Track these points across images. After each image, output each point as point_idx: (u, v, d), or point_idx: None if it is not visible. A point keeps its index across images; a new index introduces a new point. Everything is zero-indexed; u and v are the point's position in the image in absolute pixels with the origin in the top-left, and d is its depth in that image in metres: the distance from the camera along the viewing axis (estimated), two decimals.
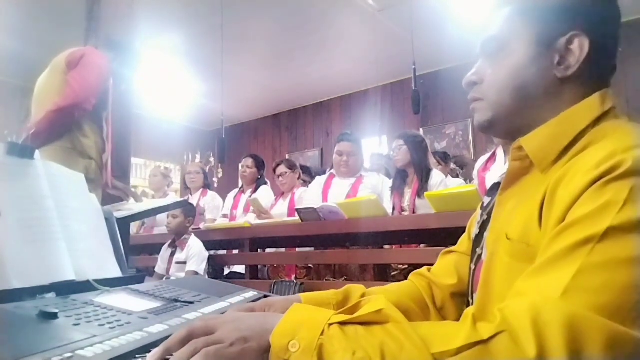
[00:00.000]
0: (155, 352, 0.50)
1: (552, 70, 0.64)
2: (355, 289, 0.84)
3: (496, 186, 0.76)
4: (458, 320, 0.69)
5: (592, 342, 0.43)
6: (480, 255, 0.74)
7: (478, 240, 0.76)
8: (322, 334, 0.48)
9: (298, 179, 3.51)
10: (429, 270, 0.89)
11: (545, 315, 0.44)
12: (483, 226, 0.76)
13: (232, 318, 0.54)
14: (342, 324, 0.49)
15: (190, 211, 2.88)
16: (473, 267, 0.76)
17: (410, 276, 0.90)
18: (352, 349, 0.46)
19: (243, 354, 0.48)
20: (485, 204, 0.80)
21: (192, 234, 2.88)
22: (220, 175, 5.97)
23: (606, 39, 0.65)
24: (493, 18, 0.70)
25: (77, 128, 2.04)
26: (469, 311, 0.50)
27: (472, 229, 0.82)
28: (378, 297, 0.53)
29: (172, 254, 2.85)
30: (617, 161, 0.50)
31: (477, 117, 0.72)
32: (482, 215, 0.78)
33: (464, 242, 0.86)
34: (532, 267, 0.52)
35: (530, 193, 0.62)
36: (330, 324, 0.49)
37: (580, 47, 0.63)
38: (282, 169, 3.38)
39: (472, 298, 0.74)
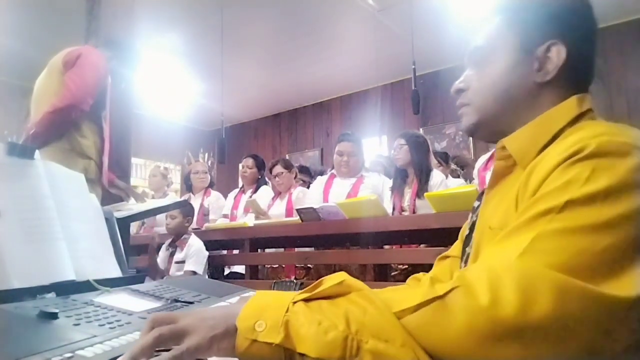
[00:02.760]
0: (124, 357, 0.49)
1: (532, 76, 0.69)
2: (342, 275, 0.85)
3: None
4: None
5: (542, 290, 0.45)
6: (469, 254, 0.77)
7: (468, 240, 0.80)
8: (287, 311, 0.49)
9: (295, 178, 3.51)
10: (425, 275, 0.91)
11: (500, 270, 0.47)
12: (472, 226, 0.80)
13: (196, 310, 0.55)
14: (306, 300, 0.51)
15: (188, 211, 2.87)
16: (463, 265, 0.80)
17: (408, 281, 0.92)
18: (317, 319, 0.48)
19: (211, 341, 0.48)
20: (475, 207, 0.83)
21: (192, 234, 2.88)
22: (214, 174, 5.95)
23: (582, 46, 0.70)
24: (479, 30, 0.76)
25: (76, 128, 2.03)
26: (427, 275, 0.54)
27: (465, 232, 0.85)
28: (339, 273, 0.55)
29: (172, 254, 2.85)
30: (583, 145, 0.54)
31: (464, 120, 0.77)
32: (471, 217, 0.82)
33: (457, 247, 0.89)
34: (496, 238, 0.55)
35: (512, 187, 0.66)
36: (295, 302, 0.51)
37: (557, 55, 0.68)
38: (278, 169, 3.38)
39: None
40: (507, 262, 0.48)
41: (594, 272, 0.47)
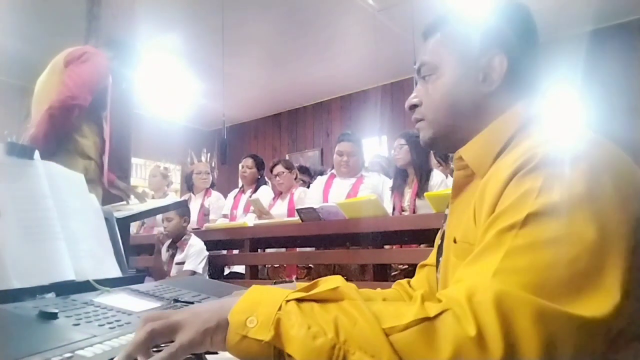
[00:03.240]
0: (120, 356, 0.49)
1: (478, 86, 0.71)
2: (338, 280, 0.86)
3: None
4: None
5: (521, 317, 0.46)
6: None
7: (440, 249, 0.82)
8: (279, 309, 0.50)
9: (295, 179, 3.51)
10: (409, 282, 0.95)
11: (478, 295, 0.48)
12: (443, 236, 0.82)
13: (188, 307, 0.56)
14: (299, 300, 0.51)
15: (184, 211, 2.87)
16: (438, 275, 0.82)
17: (394, 285, 0.95)
18: (307, 323, 0.48)
19: (204, 334, 0.49)
20: (446, 215, 0.85)
21: (192, 235, 2.88)
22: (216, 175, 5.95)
23: (523, 55, 0.71)
24: (424, 45, 0.78)
25: (76, 129, 2.03)
26: (418, 292, 0.54)
27: (438, 241, 0.87)
28: (335, 277, 0.55)
29: (173, 256, 2.85)
30: (530, 155, 0.56)
31: (421, 135, 0.79)
32: (443, 226, 0.84)
33: (433, 255, 0.91)
34: (468, 258, 0.56)
35: (471, 198, 0.67)
36: (288, 301, 0.51)
37: (500, 65, 0.70)
38: (279, 168, 3.39)
39: None
40: (482, 284, 0.49)
41: (565, 287, 0.48)
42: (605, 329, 0.48)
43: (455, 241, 0.70)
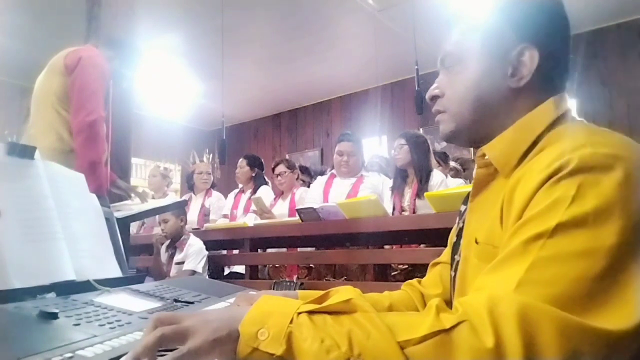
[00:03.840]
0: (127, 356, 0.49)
1: (506, 81, 0.68)
2: (350, 291, 0.85)
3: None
4: None
5: (544, 331, 0.45)
6: (458, 262, 0.77)
7: (455, 248, 0.80)
8: (291, 322, 0.49)
9: (297, 179, 3.51)
10: (419, 281, 0.92)
11: (501, 307, 0.47)
12: (459, 234, 0.79)
13: (199, 312, 0.55)
14: (311, 312, 0.50)
15: (180, 210, 2.88)
16: (453, 274, 0.79)
17: (403, 286, 0.93)
18: (320, 337, 0.47)
19: (213, 344, 0.48)
20: (461, 212, 0.83)
21: (191, 234, 2.88)
22: (218, 175, 5.96)
23: (555, 49, 0.68)
24: (449, 34, 0.74)
25: (67, 126, 2.02)
26: (432, 302, 0.52)
27: (453, 239, 0.85)
28: (347, 288, 0.55)
29: (172, 256, 2.85)
30: (565, 160, 0.53)
31: (441, 128, 0.76)
32: (458, 223, 0.82)
33: (447, 252, 0.89)
34: (490, 264, 0.54)
35: (495, 198, 0.65)
36: (299, 313, 0.50)
37: (530, 59, 0.66)
38: (281, 168, 3.39)
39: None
40: (505, 296, 0.48)
41: (590, 300, 0.47)
42: (631, 343, 0.47)
43: (477, 242, 0.67)
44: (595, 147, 0.54)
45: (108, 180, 2.02)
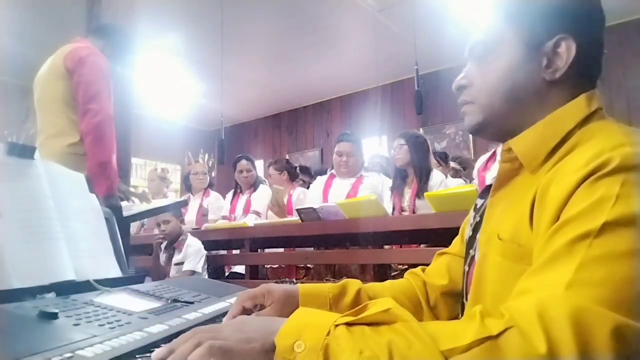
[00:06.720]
0: (160, 350, 0.49)
1: (540, 73, 0.65)
2: (352, 283, 0.84)
3: (488, 188, 0.77)
4: (450, 319, 0.68)
5: (599, 335, 0.43)
6: (473, 257, 0.74)
7: (471, 242, 0.77)
8: (328, 334, 0.47)
9: (293, 181, 3.52)
10: (423, 270, 0.90)
11: (552, 310, 0.45)
12: (476, 228, 0.77)
13: (236, 321, 0.54)
14: (349, 324, 0.49)
15: (177, 211, 2.89)
16: (467, 268, 0.77)
17: (406, 274, 0.91)
18: (359, 348, 0.45)
19: (247, 354, 0.48)
20: (478, 206, 0.80)
21: (189, 234, 2.88)
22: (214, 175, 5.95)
23: (592, 41, 0.65)
24: (480, 22, 0.71)
25: (77, 129, 2.03)
26: (476, 309, 0.49)
27: (465, 231, 0.83)
28: (386, 299, 0.52)
29: (170, 257, 2.85)
30: (606, 158, 0.52)
31: (467, 120, 0.73)
32: (474, 217, 0.79)
33: (457, 244, 0.88)
34: (533, 266, 0.52)
35: (521, 194, 0.63)
36: (337, 325, 0.48)
37: (567, 50, 0.64)
38: (270, 171, 3.48)
39: (466, 298, 0.75)
40: (556, 299, 0.46)
41: None
42: None
43: (499, 238, 0.64)
44: (635, 147, 0.53)
45: (118, 179, 2.01)
